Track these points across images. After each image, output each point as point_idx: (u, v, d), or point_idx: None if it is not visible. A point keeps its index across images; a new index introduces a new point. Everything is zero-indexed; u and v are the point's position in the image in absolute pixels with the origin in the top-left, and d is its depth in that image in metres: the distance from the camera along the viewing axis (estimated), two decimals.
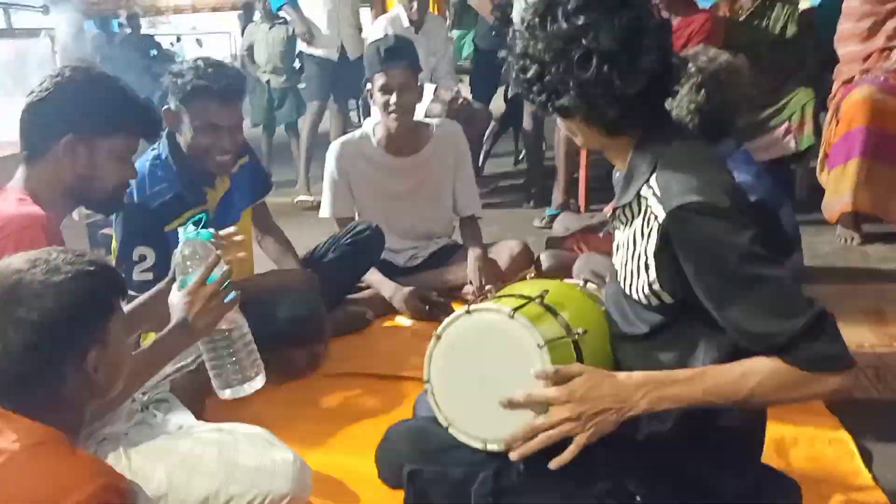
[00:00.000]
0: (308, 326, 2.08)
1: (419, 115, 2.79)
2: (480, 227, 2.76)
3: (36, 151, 1.47)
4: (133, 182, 1.79)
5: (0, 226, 1.33)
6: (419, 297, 2.47)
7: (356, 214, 2.68)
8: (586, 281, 1.54)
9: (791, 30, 3.56)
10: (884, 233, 3.13)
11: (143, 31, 8.41)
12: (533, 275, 1.62)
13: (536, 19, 1.19)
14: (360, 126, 4.26)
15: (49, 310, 0.93)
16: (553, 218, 3.47)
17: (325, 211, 2.66)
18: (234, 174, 2.15)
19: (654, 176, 1.19)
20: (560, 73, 1.16)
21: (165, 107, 1.97)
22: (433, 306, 2.47)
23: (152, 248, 1.88)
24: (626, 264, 1.26)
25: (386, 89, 2.44)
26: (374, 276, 2.54)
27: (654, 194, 1.18)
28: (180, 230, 1.35)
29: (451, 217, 2.80)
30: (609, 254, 2.38)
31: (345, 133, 4.38)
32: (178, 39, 11.56)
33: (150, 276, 1.85)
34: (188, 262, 1.31)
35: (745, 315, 1.09)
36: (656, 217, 1.17)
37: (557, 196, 3.76)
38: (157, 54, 8.18)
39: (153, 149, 2.02)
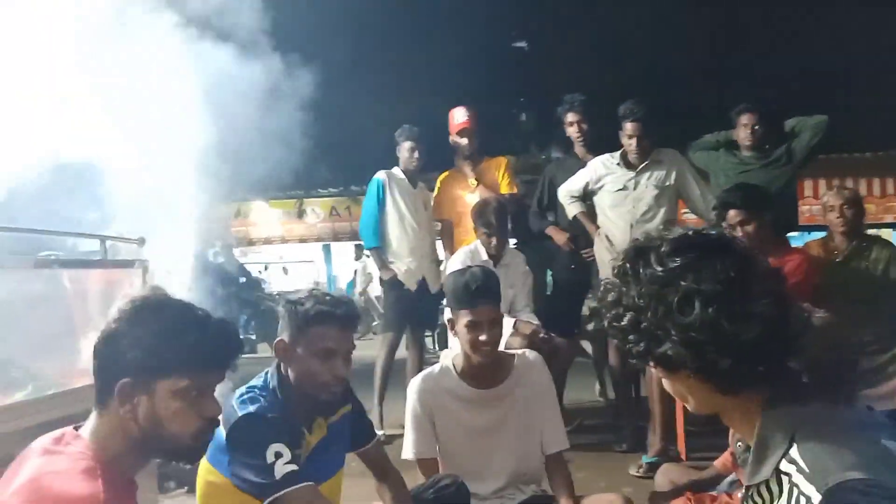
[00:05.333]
0: None
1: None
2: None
3: (100, 399, 1.31)
4: (233, 401, 1.83)
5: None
6: None
7: (439, 458, 2.47)
8: None
9: (894, 272, 3.41)
10: None
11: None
12: None
13: (627, 265, 1.10)
14: (437, 356, 4.27)
15: None
16: (652, 467, 3.15)
17: (407, 452, 2.47)
18: (333, 423, 2.07)
19: (794, 447, 1.00)
20: (658, 318, 1.04)
21: (278, 339, 1.97)
22: None
23: (282, 443, 1.80)
24: None
25: (475, 327, 2.36)
26: None
27: (801, 470, 0.98)
28: None
29: (539, 456, 2.56)
30: None
31: (422, 364, 4.34)
32: (266, 268, 12.29)
33: (294, 466, 1.79)
34: None
35: None
36: (808, 499, 0.95)
37: (654, 441, 3.47)
38: (246, 281, 8.64)
39: (258, 378, 1.99)
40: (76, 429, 1.31)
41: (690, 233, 1.11)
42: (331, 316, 1.91)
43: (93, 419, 1.31)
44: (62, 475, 1.17)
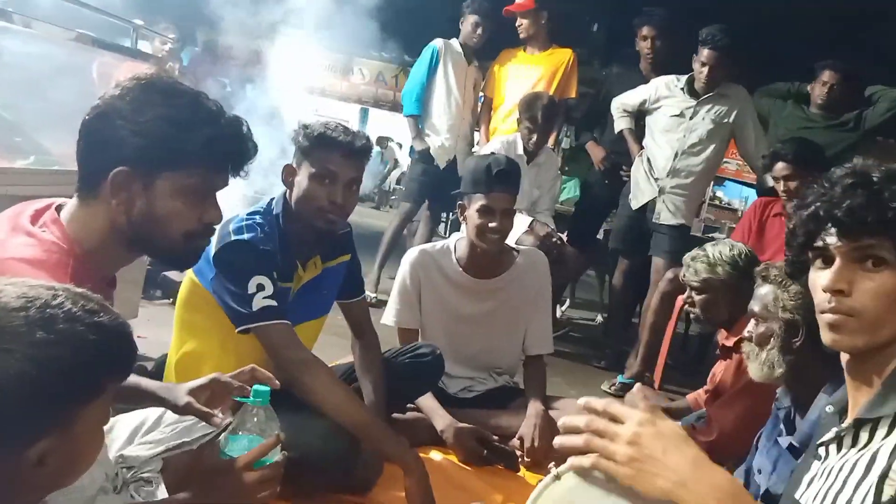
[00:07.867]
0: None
1: (508, 241, 2.65)
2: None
3: (86, 185, 1.15)
4: (231, 224, 1.77)
5: None
6: (477, 438, 2.21)
7: (420, 330, 2.49)
8: None
9: None
10: None
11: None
12: None
13: None
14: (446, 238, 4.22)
15: (8, 375, 0.71)
16: (625, 387, 3.20)
17: (388, 318, 2.47)
18: (329, 267, 2.04)
19: None
20: None
21: (286, 164, 1.93)
22: (493, 452, 2.21)
23: (266, 276, 1.76)
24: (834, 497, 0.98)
25: (487, 212, 2.30)
26: (427, 402, 2.30)
27: None
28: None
29: (518, 353, 2.59)
30: None
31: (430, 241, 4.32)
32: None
33: (273, 302, 1.75)
34: (246, 424, 1.16)
35: None
36: None
37: (633, 364, 3.49)
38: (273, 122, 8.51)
39: (263, 203, 1.95)
40: (58, 210, 1.18)
41: None
42: (335, 140, 1.85)
43: (74, 206, 1.17)
44: (29, 265, 1.05)
